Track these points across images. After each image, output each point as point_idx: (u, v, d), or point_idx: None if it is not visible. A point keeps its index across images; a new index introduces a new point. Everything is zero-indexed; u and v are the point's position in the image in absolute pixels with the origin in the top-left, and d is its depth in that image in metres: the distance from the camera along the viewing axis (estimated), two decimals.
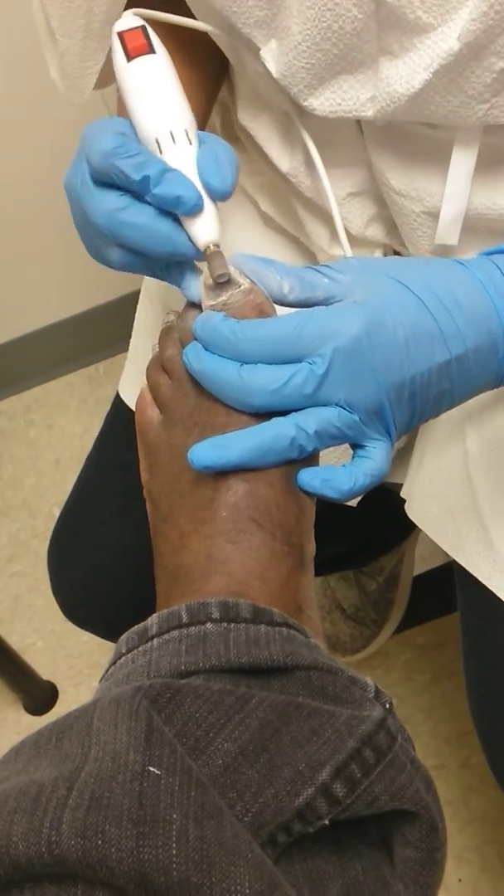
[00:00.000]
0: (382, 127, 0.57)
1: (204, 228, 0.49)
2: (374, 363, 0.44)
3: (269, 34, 0.55)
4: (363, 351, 0.44)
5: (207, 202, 0.49)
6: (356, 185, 0.63)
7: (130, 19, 0.53)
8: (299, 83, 0.55)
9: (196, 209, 0.48)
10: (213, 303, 0.48)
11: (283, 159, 0.63)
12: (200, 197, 0.48)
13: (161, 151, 0.50)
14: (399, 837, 0.39)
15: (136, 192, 0.49)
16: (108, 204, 0.49)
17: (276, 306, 0.48)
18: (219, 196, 0.49)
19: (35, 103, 1.32)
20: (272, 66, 0.55)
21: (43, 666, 1.36)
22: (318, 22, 0.51)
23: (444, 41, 0.49)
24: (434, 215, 0.60)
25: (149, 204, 0.49)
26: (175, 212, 0.48)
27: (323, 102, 0.55)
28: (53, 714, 1.34)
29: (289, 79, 0.55)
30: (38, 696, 1.34)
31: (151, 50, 0.51)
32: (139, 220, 0.49)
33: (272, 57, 0.55)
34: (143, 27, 0.52)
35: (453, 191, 0.57)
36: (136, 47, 0.51)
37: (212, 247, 0.48)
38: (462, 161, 0.55)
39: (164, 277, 0.53)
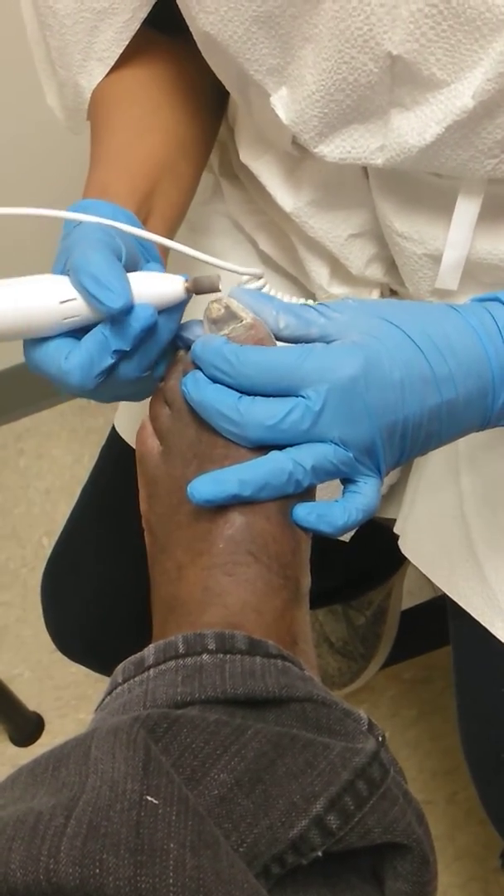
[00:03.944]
0: (388, 172, 0.58)
1: (162, 281, 0.49)
2: (370, 403, 0.45)
3: (281, 81, 0.55)
4: (359, 390, 0.44)
5: (139, 275, 0.49)
6: (358, 226, 0.64)
7: None
8: (310, 130, 0.55)
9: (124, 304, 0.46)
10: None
11: (287, 200, 0.64)
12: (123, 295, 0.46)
13: None
14: (390, 870, 0.39)
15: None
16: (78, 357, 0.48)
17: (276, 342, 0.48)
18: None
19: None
20: (282, 113, 0.56)
21: (29, 697, 1.35)
22: (333, 73, 0.52)
23: (458, 98, 0.50)
24: (435, 258, 0.60)
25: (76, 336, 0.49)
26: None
27: (333, 150, 0.56)
28: (39, 745, 1.32)
29: (300, 126, 0.55)
30: (24, 727, 1.33)
31: None
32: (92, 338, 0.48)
33: (282, 104, 0.56)
34: None
35: (456, 238, 0.58)
36: None
37: (185, 282, 0.49)
38: (466, 209, 0.56)
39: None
